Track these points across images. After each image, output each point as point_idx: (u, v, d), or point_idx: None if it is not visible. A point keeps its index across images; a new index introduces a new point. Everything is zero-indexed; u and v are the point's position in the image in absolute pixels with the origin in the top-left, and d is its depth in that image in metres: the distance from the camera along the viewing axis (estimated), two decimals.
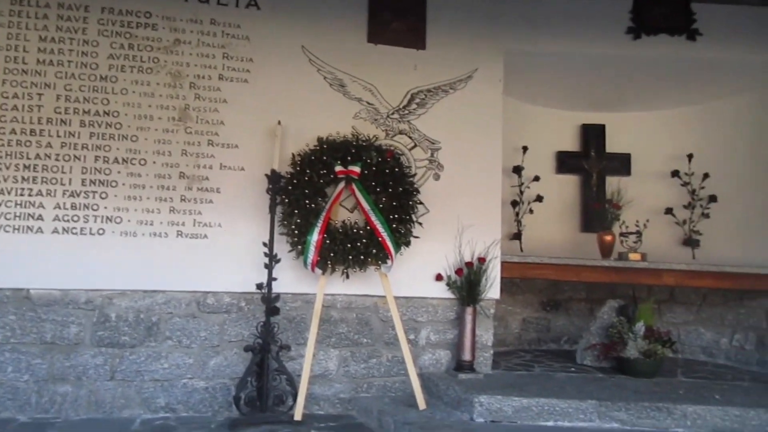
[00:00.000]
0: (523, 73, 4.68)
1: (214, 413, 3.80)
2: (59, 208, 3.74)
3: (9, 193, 3.69)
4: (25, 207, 3.70)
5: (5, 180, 3.69)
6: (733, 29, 4.52)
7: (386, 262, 3.86)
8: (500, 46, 4.42)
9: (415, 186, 4.05)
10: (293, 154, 3.94)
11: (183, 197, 3.90)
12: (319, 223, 3.75)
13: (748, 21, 4.54)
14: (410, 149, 4.24)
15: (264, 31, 4.12)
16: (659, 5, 4.40)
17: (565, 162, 5.58)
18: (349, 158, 3.88)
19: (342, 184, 3.89)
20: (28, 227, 3.69)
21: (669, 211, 5.18)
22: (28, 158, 3.73)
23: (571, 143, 5.62)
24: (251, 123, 4.01)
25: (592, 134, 5.58)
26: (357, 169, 3.87)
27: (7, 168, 3.69)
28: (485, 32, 4.41)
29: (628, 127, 5.50)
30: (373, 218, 3.82)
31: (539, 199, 5.24)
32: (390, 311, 3.93)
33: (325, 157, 3.88)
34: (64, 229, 3.73)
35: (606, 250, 5.12)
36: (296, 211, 3.78)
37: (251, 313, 3.92)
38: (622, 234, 4.95)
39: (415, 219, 3.99)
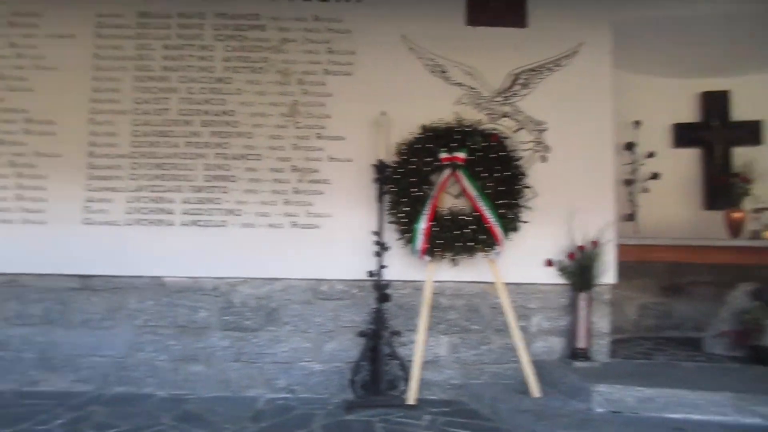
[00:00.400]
0: (633, 43, 4.40)
1: (330, 395, 3.98)
2: (187, 202, 4.06)
3: (143, 189, 4.06)
4: (157, 202, 4.06)
5: (140, 178, 4.07)
6: None
7: (494, 248, 3.82)
8: (607, 16, 4.17)
9: (522, 169, 3.96)
10: (398, 143, 3.98)
11: (296, 189, 4.08)
12: (427, 211, 3.78)
13: None
14: (515, 132, 4.14)
15: (365, 24, 4.19)
16: None
17: (683, 135, 5.19)
18: (453, 144, 3.86)
19: (447, 171, 3.88)
20: (160, 220, 4.05)
21: None
22: (158, 158, 4.08)
23: (689, 114, 5.21)
24: (356, 115, 4.11)
25: (714, 102, 5.14)
26: (462, 155, 3.85)
27: (141, 167, 4.07)
28: (590, 3, 4.19)
29: (756, 91, 5.00)
30: (480, 204, 3.78)
31: (655, 176, 4.93)
32: (499, 298, 3.89)
33: (429, 145, 3.89)
34: (192, 221, 4.05)
35: (735, 229, 4.73)
36: (403, 200, 3.84)
37: (363, 299, 4.04)
38: (755, 210, 4.53)
39: (523, 203, 3.91)
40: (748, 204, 4.68)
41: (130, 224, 4.04)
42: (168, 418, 3.43)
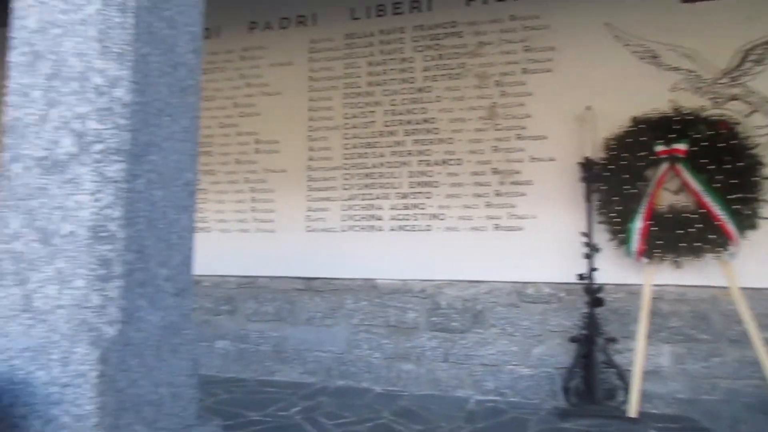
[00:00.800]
0: None
1: (540, 400, 3.89)
2: (394, 209, 4.30)
3: (355, 198, 4.39)
4: (367, 209, 4.36)
5: (352, 188, 4.40)
6: None
7: (727, 249, 3.41)
8: None
9: (759, 159, 3.47)
10: (605, 139, 3.76)
11: (497, 192, 4.08)
12: (643, 209, 3.51)
13: None
14: (747, 116, 3.65)
15: (563, 17, 4.03)
16: None
17: None
18: (671, 136, 3.53)
19: (665, 165, 3.56)
20: (371, 227, 4.34)
21: None
22: (366, 167, 4.38)
23: None
24: (557, 112, 3.97)
25: None
26: (682, 146, 3.49)
27: (352, 177, 4.41)
28: None
29: None
30: (707, 200, 3.40)
31: None
32: (735, 304, 3.45)
33: (642, 138, 3.60)
34: (399, 227, 4.28)
35: None
36: (615, 198, 3.61)
37: (571, 303, 3.88)
38: None
39: (761, 197, 3.42)
40: None
41: (344, 230, 4.40)
42: (387, 412, 3.65)
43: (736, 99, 3.68)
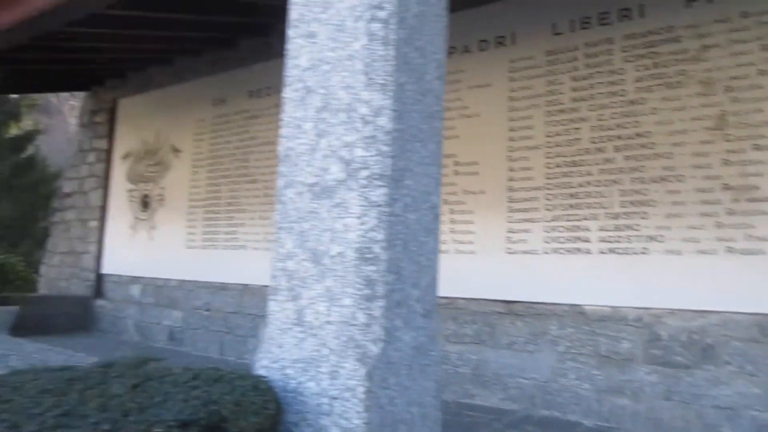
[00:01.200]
0: None
1: None
2: (603, 230, 4.03)
3: (559, 219, 4.21)
4: (572, 231, 4.15)
5: (555, 208, 4.23)
6: None
7: None
8: None
9: None
10: None
11: (729, 210, 3.61)
12: None
13: None
14: None
15: None
16: None
17: None
18: None
19: None
20: (577, 249, 4.12)
21: None
22: (571, 187, 4.18)
23: None
24: None
25: None
26: None
27: (556, 197, 4.23)
28: None
29: None
30: None
31: None
32: None
33: None
34: (609, 249, 3.99)
35: None
36: None
37: None
38: None
39: None
40: None
41: (547, 253, 4.22)
42: None
43: None
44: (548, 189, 4.27)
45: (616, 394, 3.89)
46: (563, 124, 4.25)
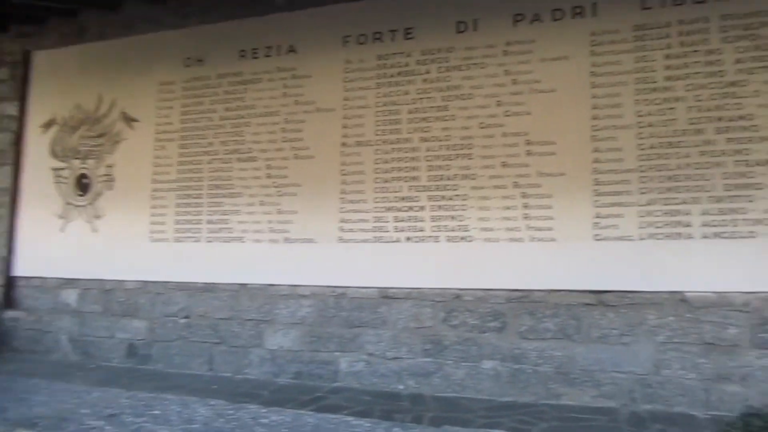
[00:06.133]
0: None
1: None
2: (706, 214, 3.90)
3: (655, 203, 4.00)
4: (671, 215, 3.96)
5: (650, 191, 4.01)
6: None
7: None
8: None
9: None
10: None
11: None
12: None
13: None
14: None
15: None
16: None
17: None
18: None
19: None
20: (677, 234, 3.94)
21: None
22: (669, 169, 4.00)
23: None
24: None
25: None
26: None
27: (651, 180, 4.02)
28: None
29: None
30: None
31: None
32: None
33: None
34: (714, 234, 3.88)
35: None
36: None
37: None
38: None
39: None
40: None
41: (643, 238, 3.99)
42: None
43: None
44: (642, 171, 4.03)
45: (724, 382, 3.79)
46: (657, 104, 4.05)
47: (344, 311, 4.65)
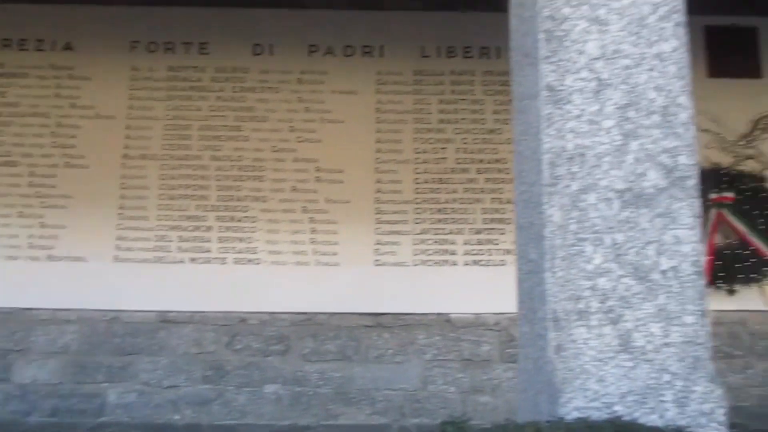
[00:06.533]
0: None
1: None
2: (467, 244, 4.39)
3: (427, 233, 4.39)
4: (440, 244, 4.39)
5: (423, 222, 4.40)
6: None
7: None
8: None
9: None
10: None
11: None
12: (706, 246, 4.15)
13: None
14: (761, 171, 4.54)
15: None
16: None
17: None
18: (723, 185, 4.26)
19: (715, 210, 4.26)
20: (444, 260, 4.37)
21: None
22: (439, 203, 4.43)
23: None
24: None
25: None
26: (731, 195, 4.24)
27: (424, 212, 4.41)
28: None
29: None
30: (753, 237, 4.17)
31: None
32: (758, 324, 4.25)
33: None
34: (473, 261, 4.38)
35: None
36: None
37: None
38: None
39: None
40: None
41: (416, 264, 4.35)
42: None
43: (751, 158, 4.57)
44: (417, 203, 4.42)
45: (478, 393, 4.28)
46: (431, 143, 4.48)
47: (116, 337, 4.26)
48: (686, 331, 1.44)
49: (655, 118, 1.49)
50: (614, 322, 1.42)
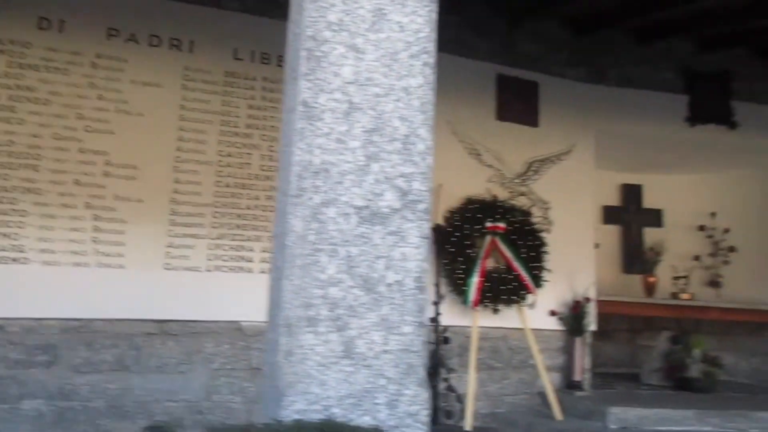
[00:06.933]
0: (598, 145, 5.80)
1: None
2: (264, 251, 4.37)
3: (225, 238, 4.28)
4: (237, 250, 4.31)
5: (221, 227, 4.28)
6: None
7: (527, 300, 4.80)
8: (592, 127, 5.53)
9: (543, 239, 5.02)
10: (450, 211, 4.80)
11: None
12: (478, 268, 4.63)
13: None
14: (529, 208, 5.21)
15: None
16: (709, 100, 5.71)
17: (609, 215, 6.76)
18: (497, 216, 4.80)
19: (489, 237, 4.78)
20: (239, 267, 4.30)
21: (697, 258, 6.46)
22: (239, 208, 4.35)
23: (614, 199, 6.83)
24: None
25: (631, 192, 6.82)
26: (502, 224, 4.80)
27: (223, 216, 4.30)
28: (580, 115, 5.51)
29: (662, 187, 6.78)
30: (516, 264, 4.75)
31: (597, 246, 6.35)
32: (516, 340, 4.86)
33: (478, 215, 4.78)
34: (269, 269, 4.35)
35: (649, 290, 6.31)
36: (459, 259, 4.64)
37: None
38: (674, 277, 6.16)
39: (544, 266, 4.96)
40: (660, 271, 6.31)
41: (210, 270, 4.22)
42: None
43: (524, 195, 5.22)
44: (216, 207, 4.29)
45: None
46: (237, 147, 4.40)
47: None
48: (404, 339, 1.59)
49: (397, 144, 1.65)
50: (341, 329, 1.52)
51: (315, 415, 1.43)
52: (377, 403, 1.51)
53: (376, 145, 1.61)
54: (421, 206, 1.64)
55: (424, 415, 1.56)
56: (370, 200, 1.58)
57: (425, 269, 1.64)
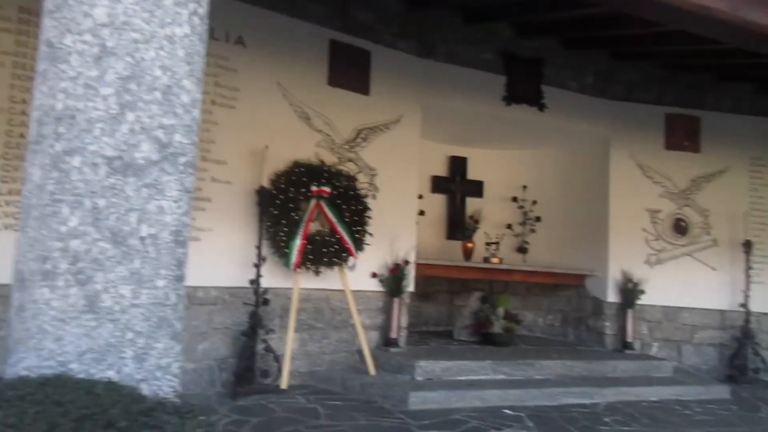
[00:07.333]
0: (425, 117, 6.13)
1: (201, 389, 4.46)
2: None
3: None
4: None
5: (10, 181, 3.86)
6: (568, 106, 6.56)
7: (349, 263, 4.97)
8: (419, 100, 5.80)
9: (366, 203, 5.20)
10: (276, 174, 4.78)
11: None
12: (301, 231, 4.69)
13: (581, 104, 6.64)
14: (356, 174, 5.36)
15: (248, 66, 4.84)
16: (523, 82, 6.26)
17: (438, 184, 7.20)
18: (322, 180, 4.87)
19: (314, 201, 4.86)
20: None
21: (509, 226, 7.14)
22: None
23: (442, 170, 7.28)
24: (237, 144, 4.72)
25: (458, 164, 7.32)
26: (328, 189, 4.89)
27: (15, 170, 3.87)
28: (408, 88, 5.74)
29: (483, 160, 7.36)
30: (340, 228, 4.89)
31: (422, 213, 6.75)
32: (338, 302, 5.05)
33: (303, 178, 4.81)
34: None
35: (468, 255, 6.87)
36: (282, 221, 4.66)
37: (233, 305, 4.65)
38: (487, 243, 6.74)
39: (366, 229, 5.15)
40: (478, 237, 6.89)
41: None
42: None
43: (352, 161, 5.35)
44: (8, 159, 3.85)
45: None
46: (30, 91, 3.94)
47: None
48: (156, 293, 1.57)
49: (157, 94, 1.59)
50: (83, 283, 1.47)
51: (47, 371, 1.38)
52: (123, 357, 1.48)
53: (133, 94, 1.54)
54: (183, 159, 1.62)
55: (176, 367, 1.57)
56: (123, 150, 1.52)
57: (186, 223, 1.63)
